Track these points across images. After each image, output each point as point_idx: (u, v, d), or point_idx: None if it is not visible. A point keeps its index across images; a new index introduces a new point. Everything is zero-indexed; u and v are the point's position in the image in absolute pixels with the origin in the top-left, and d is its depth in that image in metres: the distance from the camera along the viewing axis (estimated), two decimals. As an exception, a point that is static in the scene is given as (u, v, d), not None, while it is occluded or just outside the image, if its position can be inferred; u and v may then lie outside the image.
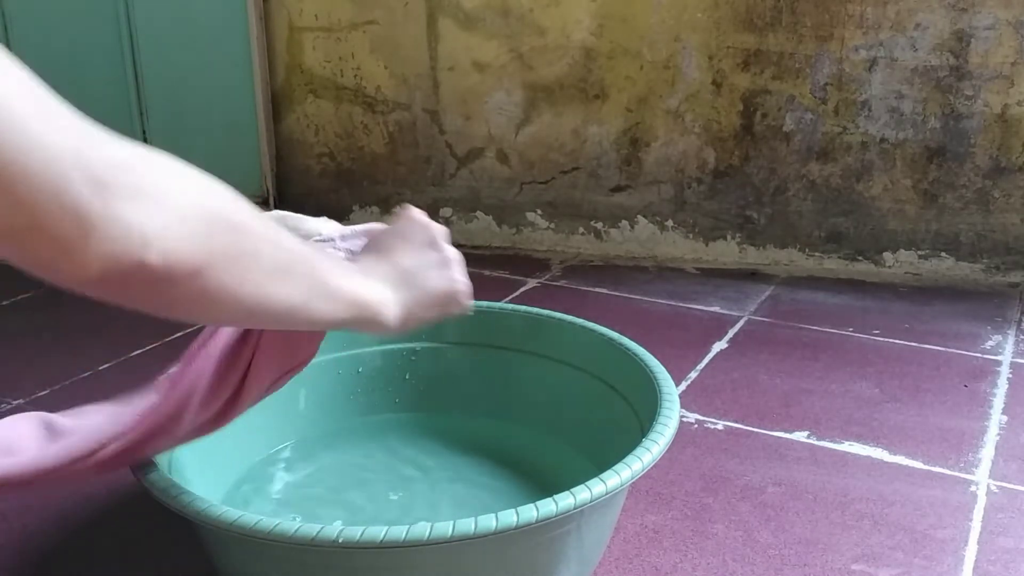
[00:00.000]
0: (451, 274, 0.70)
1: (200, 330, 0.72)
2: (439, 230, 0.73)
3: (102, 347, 1.40)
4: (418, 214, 0.74)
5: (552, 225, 1.89)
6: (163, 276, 0.45)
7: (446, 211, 1.94)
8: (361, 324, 0.63)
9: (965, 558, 0.89)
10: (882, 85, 1.64)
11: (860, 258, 1.74)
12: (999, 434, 1.13)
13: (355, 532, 0.63)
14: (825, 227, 1.74)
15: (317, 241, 0.72)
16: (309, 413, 1.04)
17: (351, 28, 1.89)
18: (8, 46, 2.04)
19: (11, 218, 0.40)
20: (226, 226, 0.50)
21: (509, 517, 0.65)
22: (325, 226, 0.74)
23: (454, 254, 0.72)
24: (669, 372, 0.89)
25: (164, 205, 0.44)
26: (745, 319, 1.51)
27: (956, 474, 1.04)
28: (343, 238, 0.73)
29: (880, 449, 1.09)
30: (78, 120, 0.42)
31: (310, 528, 0.64)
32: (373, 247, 0.72)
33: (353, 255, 0.71)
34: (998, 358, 1.35)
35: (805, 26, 1.64)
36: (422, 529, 0.63)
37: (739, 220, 1.78)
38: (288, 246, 0.55)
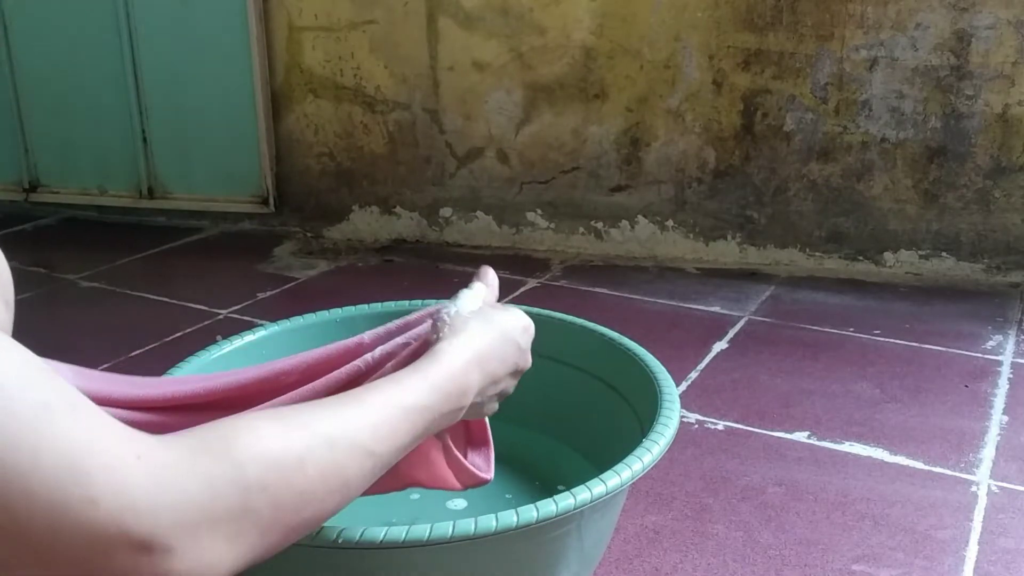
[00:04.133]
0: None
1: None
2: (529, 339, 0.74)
3: (102, 347, 1.39)
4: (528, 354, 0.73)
5: (552, 225, 1.89)
6: (257, 559, 0.45)
7: (446, 211, 1.94)
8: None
9: (966, 558, 0.89)
10: (883, 85, 1.63)
11: (861, 258, 1.74)
12: (1000, 434, 1.13)
13: (355, 532, 0.63)
14: (826, 227, 1.74)
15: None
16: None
17: (351, 28, 1.88)
18: (8, 46, 2.05)
19: None
20: (283, 514, 0.46)
21: (509, 517, 0.64)
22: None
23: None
24: (669, 372, 0.89)
25: (219, 542, 0.42)
26: (745, 319, 1.51)
27: (957, 474, 1.04)
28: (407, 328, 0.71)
29: (881, 449, 1.09)
30: (116, 450, 0.40)
31: (309, 528, 0.64)
32: (499, 364, 0.68)
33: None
34: (999, 358, 1.35)
35: (806, 25, 1.64)
36: (422, 529, 0.63)
37: (739, 220, 1.78)
38: (348, 473, 0.52)
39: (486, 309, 0.71)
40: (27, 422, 0.38)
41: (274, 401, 0.66)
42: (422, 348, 0.66)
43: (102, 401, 0.61)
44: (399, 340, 0.69)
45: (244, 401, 0.66)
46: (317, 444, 0.49)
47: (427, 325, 0.68)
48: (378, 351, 0.68)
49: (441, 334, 0.65)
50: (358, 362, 0.68)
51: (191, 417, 0.62)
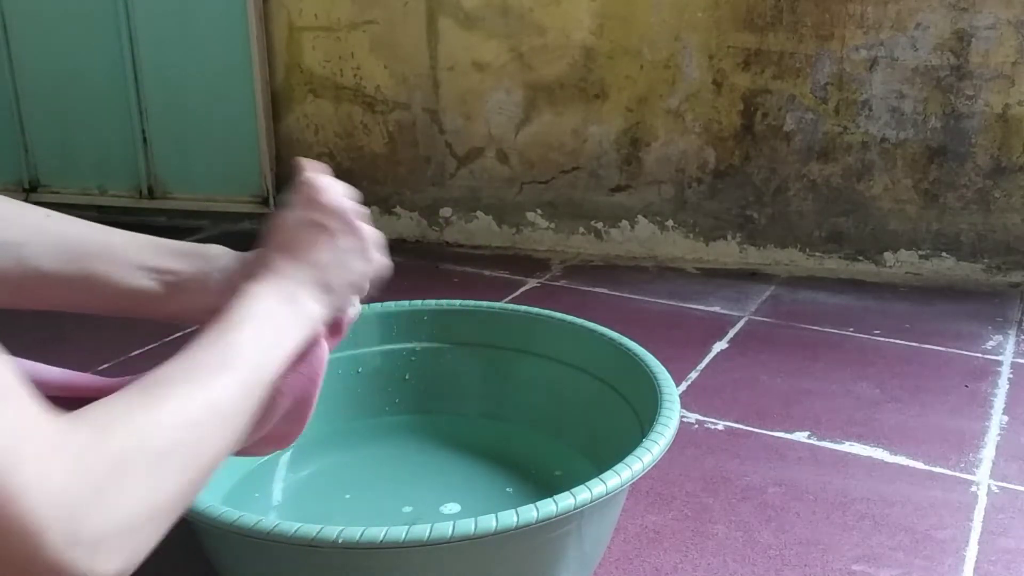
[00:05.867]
0: (370, 257, 0.67)
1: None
2: (351, 210, 0.66)
3: (101, 347, 1.39)
4: (326, 195, 0.65)
5: (552, 225, 1.89)
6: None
7: (446, 211, 1.94)
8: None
9: (966, 558, 0.89)
10: (883, 85, 1.63)
11: (861, 258, 1.74)
12: (1000, 434, 1.13)
13: (355, 532, 0.63)
14: (826, 227, 1.74)
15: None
16: (309, 413, 1.04)
17: (351, 28, 1.88)
18: (7, 47, 2.05)
19: None
20: (188, 471, 0.46)
21: (509, 517, 0.64)
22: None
23: (370, 234, 0.67)
24: (669, 372, 0.89)
25: (137, 522, 0.42)
26: (745, 319, 1.51)
27: (957, 474, 1.04)
28: None
29: (881, 449, 1.09)
30: (41, 442, 0.39)
31: (310, 528, 0.64)
32: (285, 239, 0.63)
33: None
34: (999, 358, 1.35)
35: (805, 25, 1.64)
36: (422, 529, 0.63)
37: (739, 220, 1.78)
38: (232, 403, 0.50)
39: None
40: None
41: None
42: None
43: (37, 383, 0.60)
44: None
45: None
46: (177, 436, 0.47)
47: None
48: None
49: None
50: None
51: None
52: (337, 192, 0.66)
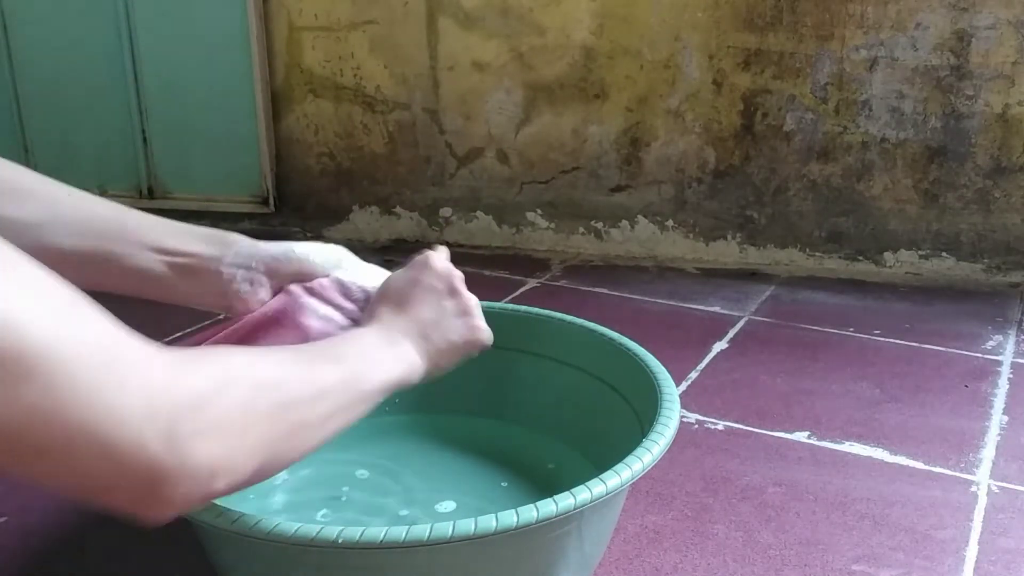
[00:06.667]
0: (471, 322, 0.73)
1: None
2: (457, 276, 0.73)
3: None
4: (436, 260, 0.73)
5: (552, 225, 1.89)
6: (229, 491, 0.46)
7: (446, 211, 1.93)
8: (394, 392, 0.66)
9: (966, 559, 0.89)
10: (883, 85, 1.63)
11: (861, 258, 1.74)
12: (1000, 434, 1.13)
13: (355, 532, 0.63)
14: (826, 227, 1.74)
15: (359, 297, 0.74)
16: (309, 413, 1.04)
17: (351, 28, 1.88)
18: (8, 46, 2.05)
19: (84, 480, 0.40)
20: (279, 416, 0.49)
21: (509, 517, 0.64)
22: (372, 275, 0.76)
23: (472, 301, 0.73)
24: (669, 372, 0.89)
25: (230, 432, 0.44)
26: (745, 319, 1.51)
27: (957, 474, 1.04)
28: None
29: (881, 449, 1.09)
30: (141, 350, 0.41)
31: (310, 528, 0.64)
32: (393, 295, 0.71)
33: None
34: (999, 358, 1.35)
35: (806, 25, 1.64)
36: (422, 530, 0.63)
37: (739, 220, 1.78)
38: (325, 383, 0.55)
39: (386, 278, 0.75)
40: (64, 312, 0.39)
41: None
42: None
43: None
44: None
45: None
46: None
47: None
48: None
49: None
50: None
51: None
52: (445, 260, 0.74)
